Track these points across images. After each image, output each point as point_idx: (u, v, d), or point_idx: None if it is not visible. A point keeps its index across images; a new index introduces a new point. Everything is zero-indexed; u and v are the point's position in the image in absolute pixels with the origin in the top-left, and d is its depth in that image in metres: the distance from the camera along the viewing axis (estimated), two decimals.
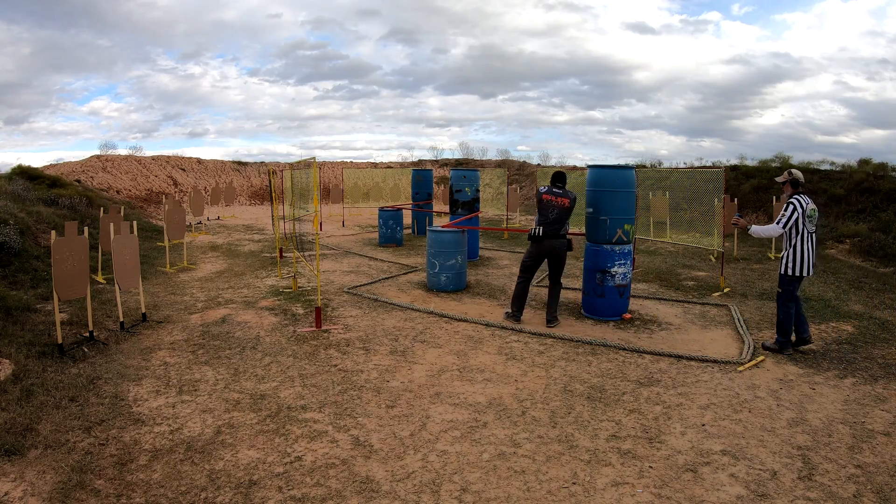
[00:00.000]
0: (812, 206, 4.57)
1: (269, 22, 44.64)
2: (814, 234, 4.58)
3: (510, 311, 5.68)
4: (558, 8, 42.90)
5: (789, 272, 4.58)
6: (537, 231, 5.42)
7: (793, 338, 4.71)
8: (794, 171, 4.69)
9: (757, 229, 4.81)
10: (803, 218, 4.50)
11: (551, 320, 5.51)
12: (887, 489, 2.67)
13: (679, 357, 4.54)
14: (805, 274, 4.56)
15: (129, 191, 17.52)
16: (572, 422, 3.40)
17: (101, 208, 7.96)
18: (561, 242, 5.42)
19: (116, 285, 5.15)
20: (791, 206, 4.54)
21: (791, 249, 4.58)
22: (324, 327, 5.28)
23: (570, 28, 44.43)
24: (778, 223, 4.59)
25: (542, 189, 5.51)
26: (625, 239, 5.64)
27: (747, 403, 3.64)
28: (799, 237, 4.54)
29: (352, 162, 26.45)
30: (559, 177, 5.54)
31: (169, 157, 21.25)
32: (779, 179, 4.84)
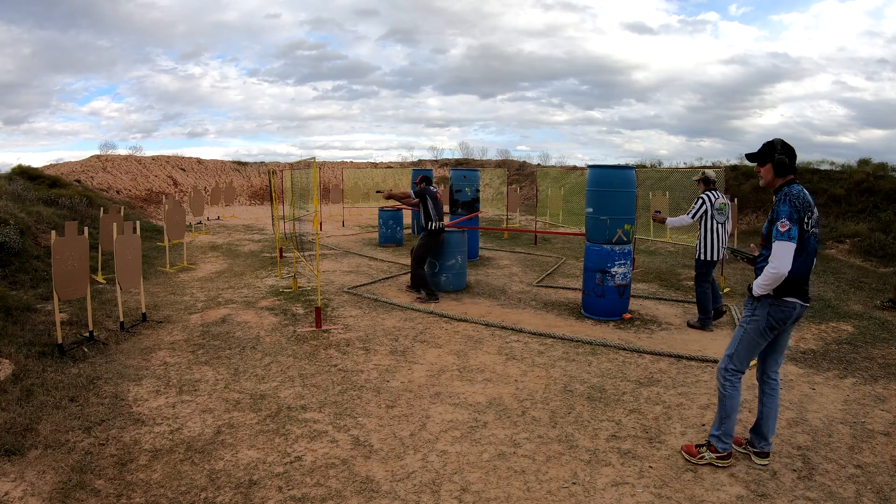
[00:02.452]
0: (722, 200, 5.27)
1: (268, 22, 44.68)
2: (723, 225, 5.28)
3: (423, 296, 6.30)
4: (556, 8, 42.94)
5: (702, 257, 5.33)
6: (437, 225, 6.31)
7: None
8: (706, 171, 5.49)
9: (671, 221, 5.55)
10: (712, 210, 5.21)
11: (433, 294, 6.47)
12: (887, 489, 2.67)
13: (679, 357, 4.54)
14: (715, 258, 5.28)
15: (129, 191, 17.52)
16: (572, 422, 3.40)
17: (102, 208, 7.97)
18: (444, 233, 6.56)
19: (118, 285, 5.14)
20: (701, 201, 5.28)
21: (703, 238, 5.29)
22: (324, 327, 5.28)
23: (568, 28, 44.48)
24: (688, 214, 5.35)
25: (433, 189, 6.38)
26: (625, 239, 5.64)
27: (747, 403, 3.64)
28: (709, 227, 5.24)
29: (352, 162, 26.47)
30: (428, 178, 6.64)
31: (169, 157, 21.25)
32: (694, 178, 5.62)
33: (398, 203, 7.97)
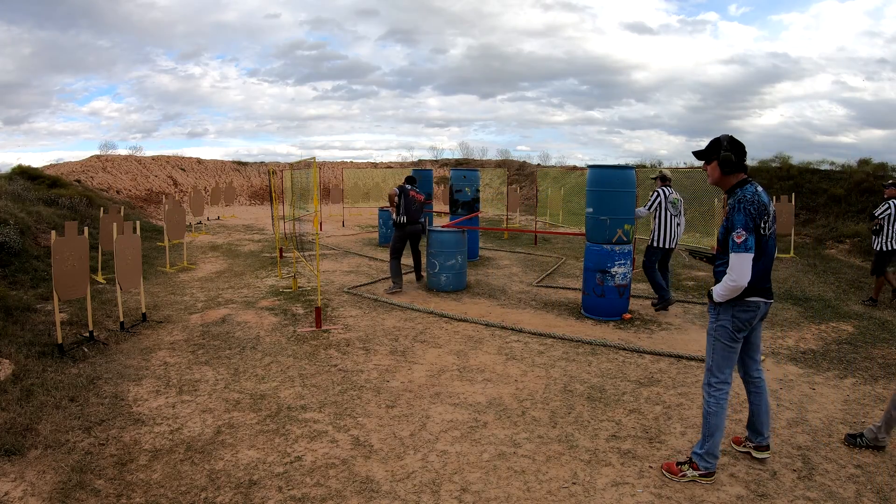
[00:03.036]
0: (675, 196, 5.90)
1: (267, 22, 44.70)
2: (675, 218, 5.86)
3: (394, 287, 6.85)
4: (556, 8, 42.95)
5: (654, 245, 5.87)
6: (403, 220, 6.93)
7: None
8: (663, 171, 6.16)
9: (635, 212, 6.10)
10: (666, 203, 5.82)
11: (420, 277, 7.37)
12: (887, 489, 2.67)
13: (679, 357, 4.54)
14: (665, 246, 5.84)
15: (129, 191, 17.52)
16: (572, 422, 3.40)
17: (102, 208, 7.97)
18: (419, 226, 7.08)
19: (118, 285, 5.14)
20: (656, 194, 5.89)
21: (656, 228, 5.87)
22: (324, 327, 5.28)
23: (568, 28, 44.50)
24: (645, 207, 5.99)
25: (408, 187, 7.02)
26: (625, 239, 5.64)
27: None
28: (662, 219, 5.84)
29: (352, 162, 26.48)
30: (412, 179, 7.24)
31: (169, 157, 21.26)
32: (651, 177, 6.42)
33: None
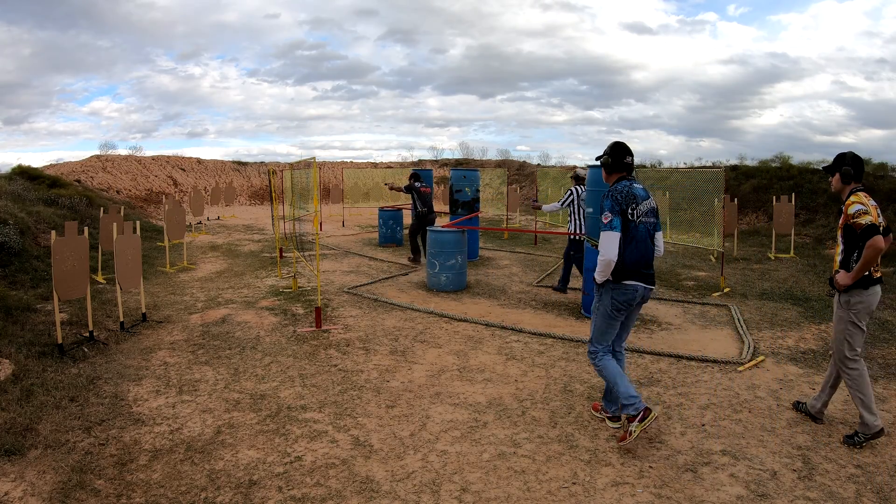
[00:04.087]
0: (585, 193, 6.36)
1: (267, 22, 44.72)
2: (585, 211, 6.24)
3: (412, 256, 8.91)
4: (555, 8, 42.98)
5: (573, 237, 6.64)
6: (423, 210, 8.63)
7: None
8: (578, 170, 6.84)
9: (546, 207, 7.03)
10: (578, 200, 6.48)
11: (416, 260, 8.87)
12: (887, 489, 2.67)
13: (679, 357, 4.54)
14: (579, 238, 6.52)
15: (129, 191, 17.52)
16: (572, 422, 3.40)
17: (102, 208, 7.97)
18: (435, 216, 8.93)
19: (118, 285, 5.14)
20: (570, 192, 6.60)
21: (572, 222, 6.64)
22: (324, 327, 5.28)
23: (567, 28, 44.52)
24: (559, 202, 6.73)
25: (418, 185, 8.61)
26: None
27: (747, 403, 3.64)
28: (576, 213, 6.55)
29: (352, 162, 26.47)
30: (417, 175, 8.76)
31: (169, 157, 21.25)
32: (569, 175, 7.25)
33: (399, 193, 10.17)
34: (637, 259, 3.04)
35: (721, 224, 8.72)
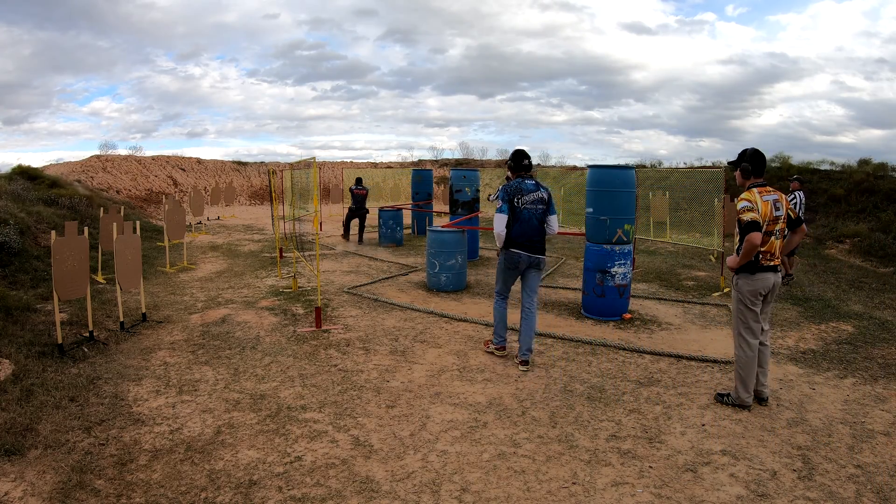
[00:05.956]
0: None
1: (267, 23, 44.73)
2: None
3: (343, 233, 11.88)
4: (554, 8, 43.00)
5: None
6: (354, 207, 11.26)
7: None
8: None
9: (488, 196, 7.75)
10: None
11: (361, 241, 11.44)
12: (887, 489, 2.67)
13: (679, 357, 4.54)
14: None
15: (129, 191, 17.52)
16: (572, 422, 3.40)
17: (102, 208, 7.96)
18: (364, 212, 11.43)
19: (118, 285, 5.14)
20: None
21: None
22: (324, 327, 5.28)
23: (566, 28, 44.54)
24: (493, 195, 7.49)
25: (352, 188, 11.32)
26: (625, 239, 5.64)
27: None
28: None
29: (352, 162, 26.46)
30: (360, 181, 11.51)
31: (169, 157, 21.25)
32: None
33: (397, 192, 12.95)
34: (522, 233, 4.15)
35: (721, 224, 8.71)
